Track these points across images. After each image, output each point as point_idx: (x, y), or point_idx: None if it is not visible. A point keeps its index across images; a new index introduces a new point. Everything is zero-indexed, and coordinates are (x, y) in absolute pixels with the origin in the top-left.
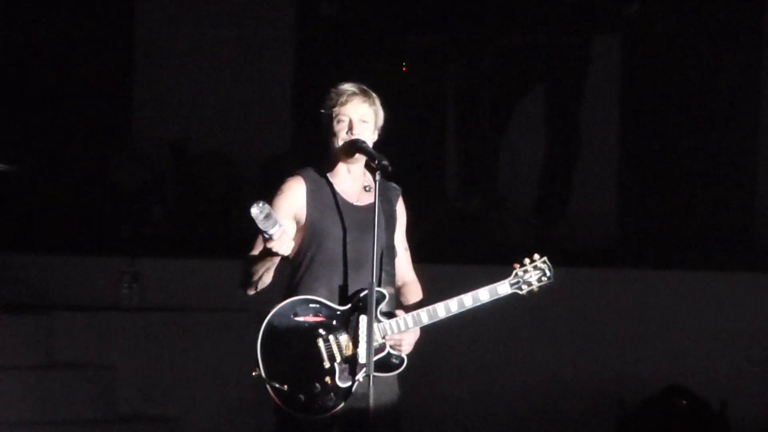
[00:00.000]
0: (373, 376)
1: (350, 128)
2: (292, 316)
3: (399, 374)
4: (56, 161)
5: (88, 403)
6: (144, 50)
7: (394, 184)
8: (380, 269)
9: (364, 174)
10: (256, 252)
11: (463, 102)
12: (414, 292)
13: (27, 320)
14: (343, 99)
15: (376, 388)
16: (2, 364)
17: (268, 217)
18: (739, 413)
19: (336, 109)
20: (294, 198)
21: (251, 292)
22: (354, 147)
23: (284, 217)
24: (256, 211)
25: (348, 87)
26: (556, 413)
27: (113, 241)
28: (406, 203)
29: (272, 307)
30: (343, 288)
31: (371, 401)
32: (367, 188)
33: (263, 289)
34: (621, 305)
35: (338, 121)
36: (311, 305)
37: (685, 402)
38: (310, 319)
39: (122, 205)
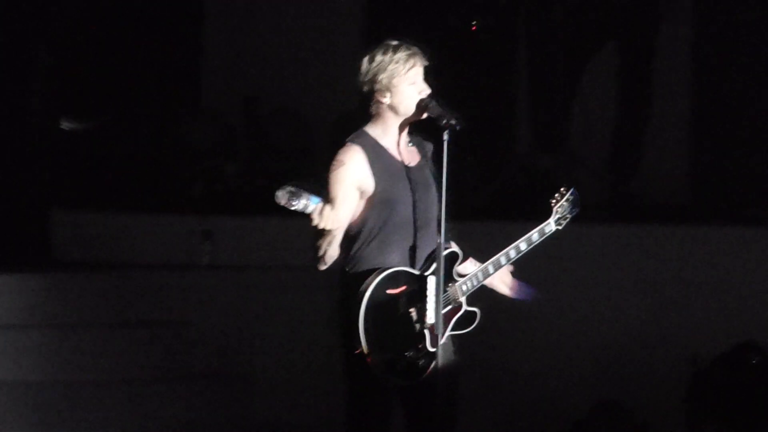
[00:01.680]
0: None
1: (421, 90)
2: (384, 291)
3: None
4: (127, 119)
5: (163, 361)
6: (214, 7)
7: (421, 138)
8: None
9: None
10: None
11: (534, 57)
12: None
13: (100, 278)
14: (412, 61)
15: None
16: (78, 323)
17: (295, 197)
18: None
19: (408, 72)
20: (356, 169)
21: (322, 267)
22: (425, 107)
23: (349, 189)
24: (283, 196)
25: (406, 48)
26: (629, 369)
27: (185, 199)
28: (477, 161)
29: (364, 286)
30: (413, 250)
31: (439, 361)
32: (410, 143)
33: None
34: (694, 262)
35: (410, 84)
36: (399, 276)
37: (755, 360)
38: (400, 289)
39: (194, 163)
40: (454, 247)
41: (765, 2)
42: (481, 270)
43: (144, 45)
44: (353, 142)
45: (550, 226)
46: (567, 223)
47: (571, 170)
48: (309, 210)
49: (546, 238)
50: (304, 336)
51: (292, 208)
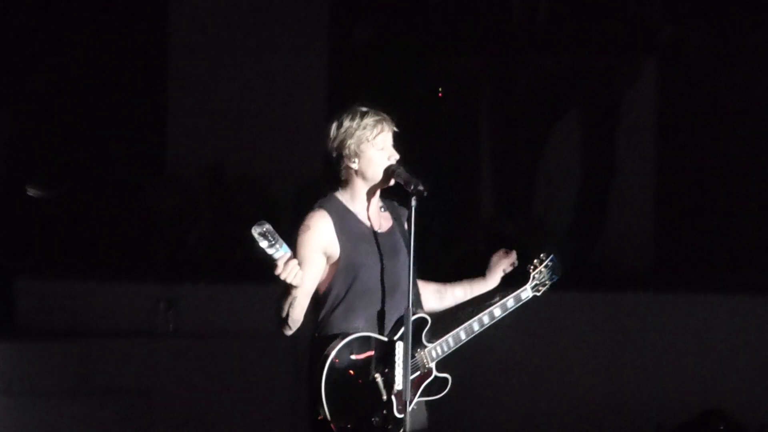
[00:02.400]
0: (417, 401)
1: (389, 155)
2: (349, 355)
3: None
4: (91, 187)
5: (124, 429)
6: (178, 75)
7: (395, 203)
8: (413, 293)
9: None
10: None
11: (498, 125)
12: (438, 283)
13: (64, 346)
14: (380, 127)
15: (411, 414)
16: (40, 390)
17: (269, 237)
18: None
19: (375, 138)
20: (321, 234)
21: (287, 332)
22: (392, 173)
23: (313, 252)
24: (257, 230)
25: (375, 114)
26: None
27: (149, 267)
28: (441, 227)
29: (328, 350)
30: (381, 315)
31: (408, 429)
32: (382, 209)
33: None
34: (657, 329)
35: (378, 149)
36: (364, 341)
37: (722, 427)
38: (365, 355)
39: (157, 231)
40: (423, 313)
41: (731, 69)
42: (452, 335)
43: (108, 113)
44: (321, 206)
45: (527, 292)
46: (546, 291)
47: (535, 237)
48: (277, 255)
49: (522, 304)
50: (268, 404)
51: (262, 246)
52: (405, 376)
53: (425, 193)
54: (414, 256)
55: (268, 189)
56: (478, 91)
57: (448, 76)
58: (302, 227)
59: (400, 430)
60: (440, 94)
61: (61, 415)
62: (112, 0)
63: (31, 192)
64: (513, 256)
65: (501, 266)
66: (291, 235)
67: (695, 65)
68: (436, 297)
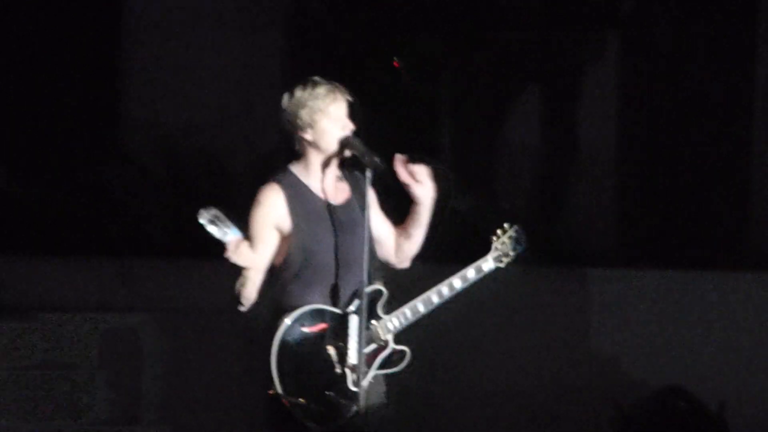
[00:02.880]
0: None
1: (343, 126)
2: (300, 329)
3: (390, 374)
4: (44, 162)
5: (76, 406)
6: (131, 46)
7: (356, 173)
8: (370, 266)
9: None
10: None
11: (456, 101)
12: (399, 226)
13: (13, 323)
14: (331, 96)
15: (367, 387)
16: None
17: (217, 223)
18: (737, 415)
19: (328, 107)
20: (273, 208)
21: (241, 308)
22: (347, 144)
23: (265, 228)
24: (205, 216)
25: (327, 83)
26: (552, 415)
27: (102, 242)
28: (399, 203)
29: (279, 323)
30: (335, 290)
31: (362, 402)
32: (340, 178)
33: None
34: (618, 305)
35: (331, 120)
36: (317, 314)
37: (682, 403)
38: (318, 328)
39: (112, 207)
40: (379, 285)
41: (692, 49)
42: (410, 308)
43: (59, 85)
44: (273, 180)
45: (488, 263)
46: (510, 262)
47: (493, 212)
48: (226, 239)
49: (484, 276)
50: (222, 381)
51: (211, 231)
52: (360, 349)
53: (382, 166)
54: (370, 229)
55: (224, 163)
56: (436, 66)
57: (407, 51)
58: (254, 202)
59: (354, 404)
60: (396, 64)
61: (10, 393)
62: None
63: None
64: (407, 167)
65: (405, 180)
66: (245, 214)
67: (658, 39)
68: (406, 237)
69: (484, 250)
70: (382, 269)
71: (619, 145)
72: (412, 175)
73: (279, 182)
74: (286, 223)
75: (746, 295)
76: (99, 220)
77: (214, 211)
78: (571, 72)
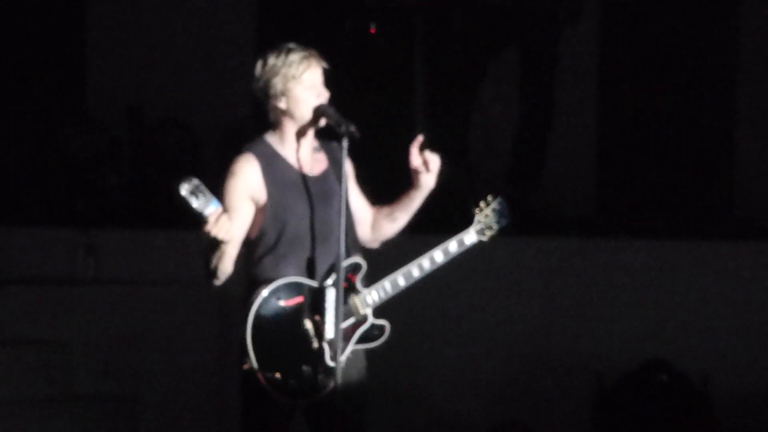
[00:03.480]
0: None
1: (318, 94)
2: (276, 302)
3: (370, 349)
4: (5, 128)
5: (42, 381)
6: (97, 13)
7: (333, 143)
8: (347, 238)
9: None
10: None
11: (431, 65)
12: (382, 207)
13: None
14: (306, 63)
15: (346, 362)
16: None
17: (198, 194)
18: (721, 388)
19: (302, 75)
20: (248, 179)
21: (216, 282)
22: (322, 113)
23: (240, 200)
24: (186, 188)
25: (301, 50)
26: (532, 388)
27: (66, 212)
28: (373, 171)
29: (254, 296)
30: (311, 263)
31: (338, 377)
32: (316, 149)
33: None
34: (598, 276)
35: (305, 88)
36: (293, 287)
37: (665, 377)
38: (294, 301)
39: (76, 174)
40: (358, 258)
41: (674, 12)
42: (390, 281)
43: (23, 51)
44: (248, 150)
45: (471, 236)
46: (494, 235)
47: (471, 182)
48: (207, 212)
49: (467, 249)
50: (194, 355)
51: (191, 203)
52: (337, 323)
53: (357, 135)
54: (346, 200)
55: (191, 132)
56: (411, 30)
57: (382, 13)
58: (228, 173)
59: (331, 379)
60: (372, 30)
61: None
62: None
63: None
64: (422, 154)
65: (416, 165)
66: (217, 182)
67: (638, 3)
68: (390, 220)
69: (463, 220)
70: (358, 242)
71: (599, 112)
72: (425, 162)
73: (254, 152)
74: (261, 193)
75: (730, 265)
76: (62, 188)
77: (195, 182)
78: (549, 35)
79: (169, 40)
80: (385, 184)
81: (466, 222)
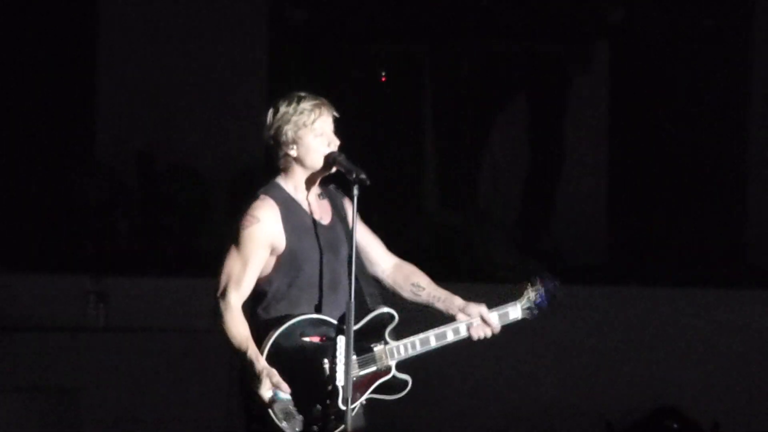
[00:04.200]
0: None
1: (329, 142)
2: (299, 336)
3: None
4: (18, 175)
5: (52, 428)
6: (108, 58)
7: (332, 188)
8: (361, 291)
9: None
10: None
11: (442, 112)
12: (415, 271)
13: None
14: (317, 112)
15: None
16: None
17: (290, 419)
18: None
19: (314, 123)
20: (271, 225)
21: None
22: (333, 161)
23: (261, 247)
24: (279, 413)
25: (312, 98)
26: None
27: (77, 259)
28: (383, 218)
29: (274, 328)
30: (324, 312)
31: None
32: (321, 196)
33: None
34: (609, 324)
35: (316, 136)
36: (319, 325)
37: (675, 425)
38: (317, 339)
39: (85, 221)
40: (391, 309)
41: (683, 56)
42: (420, 339)
43: (35, 97)
44: (267, 194)
45: (516, 311)
46: (537, 315)
47: (481, 228)
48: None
49: (509, 323)
50: (203, 401)
51: (281, 426)
52: (347, 368)
53: (367, 182)
54: (355, 247)
55: (201, 177)
56: (421, 77)
57: (391, 61)
58: (248, 218)
59: (341, 422)
60: (383, 79)
61: None
62: None
63: None
64: (487, 330)
65: (473, 321)
66: (226, 225)
67: (647, 50)
68: (413, 294)
69: (474, 266)
70: (376, 294)
71: (610, 158)
72: (488, 323)
73: (272, 196)
74: (280, 240)
75: (741, 313)
76: (72, 234)
77: (287, 405)
78: (560, 82)
79: (179, 86)
80: (395, 229)
81: (475, 268)
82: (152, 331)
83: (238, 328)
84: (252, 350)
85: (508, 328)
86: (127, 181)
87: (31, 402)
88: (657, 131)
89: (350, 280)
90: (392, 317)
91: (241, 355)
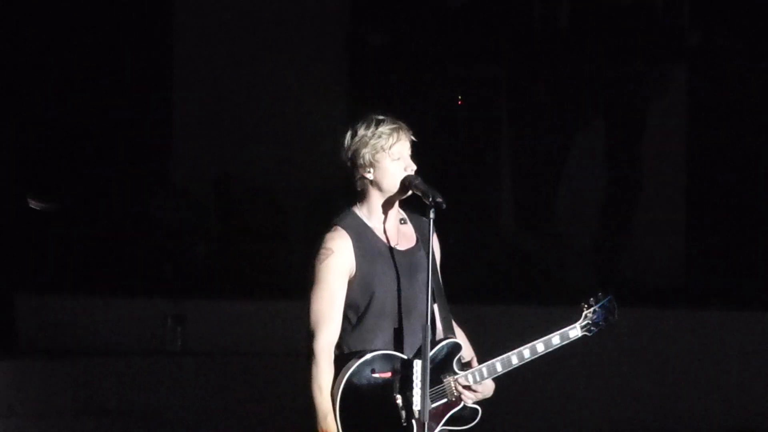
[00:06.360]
0: (441, 430)
1: (406, 166)
2: (370, 373)
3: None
4: (96, 199)
5: None
6: (185, 82)
7: (424, 219)
8: (434, 316)
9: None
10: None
11: (518, 135)
12: (460, 334)
13: (67, 366)
14: (395, 136)
15: None
16: (43, 411)
17: None
18: None
19: (392, 147)
20: (345, 256)
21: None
22: (409, 184)
23: (339, 278)
24: None
25: (391, 122)
26: None
27: (156, 282)
28: (460, 242)
29: (347, 366)
30: (399, 339)
31: None
32: (402, 221)
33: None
34: (687, 347)
35: (393, 159)
36: (388, 360)
37: None
38: (388, 374)
39: (164, 244)
40: (456, 339)
41: (759, 74)
42: (487, 366)
43: (113, 122)
44: (339, 225)
45: (576, 331)
46: (601, 331)
47: (558, 252)
48: None
49: (570, 342)
50: (281, 424)
51: None
52: (423, 398)
53: (444, 206)
54: (432, 272)
55: (278, 201)
56: (498, 100)
57: (468, 83)
58: (323, 251)
59: None
60: (459, 102)
61: None
62: (117, 5)
63: (33, 204)
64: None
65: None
66: (300, 254)
67: (725, 72)
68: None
69: (550, 289)
70: (449, 318)
71: (688, 180)
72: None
73: (345, 227)
74: (353, 268)
75: None
76: (151, 258)
77: None
78: (637, 104)
79: (256, 109)
80: (472, 252)
81: (551, 292)
82: (230, 354)
83: (325, 379)
84: (325, 408)
85: (585, 352)
86: (204, 205)
87: (110, 425)
88: (735, 153)
89: (428, 305)
90: (458, 347)
91: (314, 406)
